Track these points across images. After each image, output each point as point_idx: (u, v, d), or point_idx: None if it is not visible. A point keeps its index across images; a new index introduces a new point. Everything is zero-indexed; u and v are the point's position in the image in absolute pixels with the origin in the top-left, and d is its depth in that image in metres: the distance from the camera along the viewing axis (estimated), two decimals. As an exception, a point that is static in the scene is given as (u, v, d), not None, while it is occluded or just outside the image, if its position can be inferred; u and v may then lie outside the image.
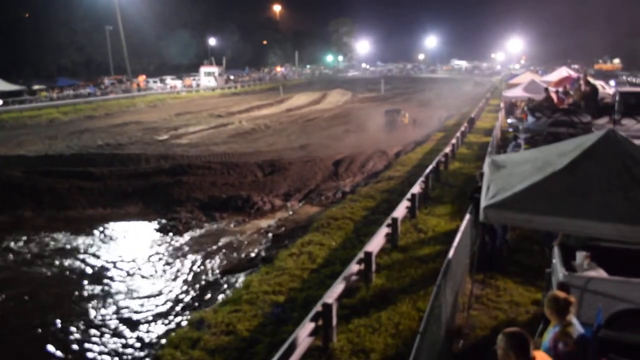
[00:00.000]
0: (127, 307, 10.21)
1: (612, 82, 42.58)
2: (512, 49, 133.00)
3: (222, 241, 13.71)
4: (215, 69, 74.05)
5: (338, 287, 7.78)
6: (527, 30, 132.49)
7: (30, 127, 37.34)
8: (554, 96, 21.15)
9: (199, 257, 12.63)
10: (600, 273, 6.65)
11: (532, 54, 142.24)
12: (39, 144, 28.56)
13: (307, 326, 6.83)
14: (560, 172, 5.90)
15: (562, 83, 27.31)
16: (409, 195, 12.79)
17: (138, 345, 8.88)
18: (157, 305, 10.25)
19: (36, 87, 57.74)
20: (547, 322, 5.01)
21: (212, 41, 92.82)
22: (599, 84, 23.99)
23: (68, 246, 13.59)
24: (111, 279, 11.61)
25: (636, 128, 16.66)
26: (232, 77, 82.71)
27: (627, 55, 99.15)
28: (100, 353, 8.64)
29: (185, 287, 11.02)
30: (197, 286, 11.06)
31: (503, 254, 10.00)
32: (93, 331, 9.31)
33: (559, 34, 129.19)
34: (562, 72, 33.43)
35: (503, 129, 25.48)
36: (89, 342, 8.98)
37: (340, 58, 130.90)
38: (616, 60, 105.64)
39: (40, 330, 9.40)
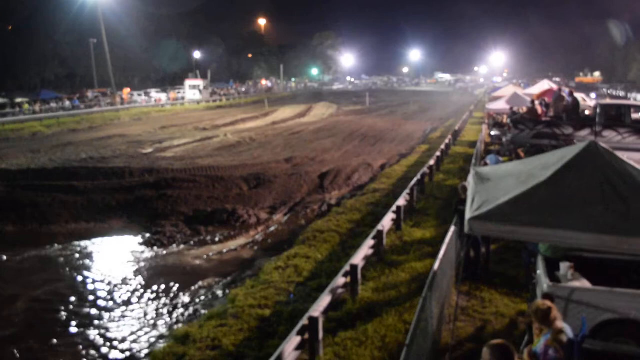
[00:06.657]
0: (111, 323, 10.06)
1: (593, 95, 43.39)
2: (495, 62, 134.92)
3: (207, 255, 13.60)
4: (200, 82, 73.90)
5: (324, 300, 7.76)
6: (510, 44, 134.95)
7: (13, 141, 36.82)
8: (538, 108, 21.42)
9: (184, 272, 12.51)
10: (584, 283, 6.71)
11: (515, 67, 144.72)
12: (22, 158, 28.14)
13: (294, 340, 6.78)
14: (543, 184, 5.97)
15: (544, 95, 27.67)
16: (394, 208, 12.84)
17: (122, 361, 8.75)
18: (141, 320, 10.12)
19: (19, 100, 56.95)
20: (532, 333, 5.05)
21: (197, 54, 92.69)
22: (579, 96, 24.39)
23: (50, 261, 13.37)
24: (94, 294, 11.44)
25: (617, 140, 16.98)
26: (217, 90, 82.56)
27: (606, 69, 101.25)
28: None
29: (169, 302, 10.90)
30: (182, 300, 10.94)
31: (489, 265, 10.06)
32: (74, 348, 9.16)
33: (541, 47, 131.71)
34: (544, 85, 33.88)
35: (486, 142, 25.75)
36: None
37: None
38: (596, 73, 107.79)
39: (17, 350, 9.22)
